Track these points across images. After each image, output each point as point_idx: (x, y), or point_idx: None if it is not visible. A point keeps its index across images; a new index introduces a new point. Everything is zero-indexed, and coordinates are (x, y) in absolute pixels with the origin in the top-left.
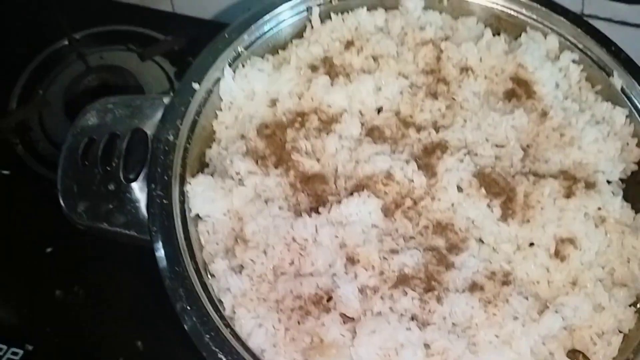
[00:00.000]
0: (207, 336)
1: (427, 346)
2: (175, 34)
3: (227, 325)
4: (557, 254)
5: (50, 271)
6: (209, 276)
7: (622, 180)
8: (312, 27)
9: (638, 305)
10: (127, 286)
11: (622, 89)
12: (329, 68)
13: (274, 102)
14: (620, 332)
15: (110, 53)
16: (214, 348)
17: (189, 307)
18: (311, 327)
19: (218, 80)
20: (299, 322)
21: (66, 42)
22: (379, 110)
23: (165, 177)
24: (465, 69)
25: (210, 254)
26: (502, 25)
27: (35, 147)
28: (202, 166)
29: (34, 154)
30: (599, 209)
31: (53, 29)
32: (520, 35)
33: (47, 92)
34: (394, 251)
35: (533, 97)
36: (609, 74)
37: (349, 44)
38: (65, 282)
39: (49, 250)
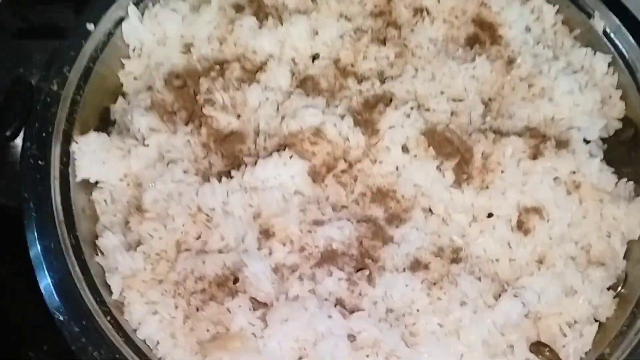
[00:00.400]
0: (77, 327)
1: (352, 337)
2: None
3: (107, 313)
4: (521, 227)
5: None
6: (98, 253)
7: (602, 140)
8: None
9: (618, 289)
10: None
11: (605, 32)
12: (257, 8)
13: (188, 48)
14: (595, 320)
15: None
16: (84, 341)
17: (56, 288)
18: (214, 315)
19: (121, 21)
20: (199, 309)
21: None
22: (315, 57)
23: (44, 134)
24: (419, 11)
25: (104, 227)
26: None
27: None
28: (107, 125)
29: None
30: (573, 172)
31: None
32: None
33: None
34: (319, 222)
35: (498, 42)
36: (590, 15)
37: None
38: None
39: None
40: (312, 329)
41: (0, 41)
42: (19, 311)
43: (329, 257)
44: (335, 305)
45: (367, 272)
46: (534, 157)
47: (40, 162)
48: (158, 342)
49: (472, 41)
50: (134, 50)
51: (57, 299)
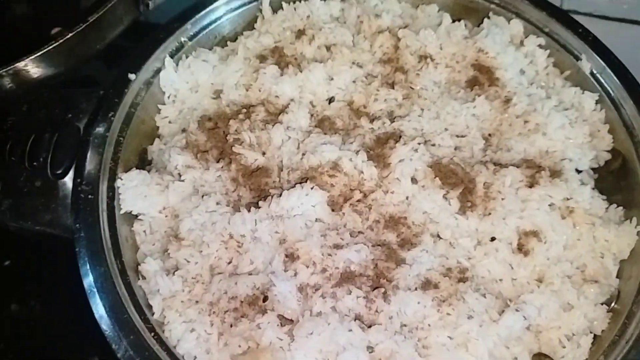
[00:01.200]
0: (125, 341)
1: (371, 349)
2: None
3: (152, 330)
4: (521, 249)
5: (6, 285)
6: (140, 278)
7: (593, 170)
8: (263, 17)
9: (612, 305)
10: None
11: (592, 73)
12: (279, 58)
13: (218, 94)
14: (590, 332)
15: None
16: (131, 353)
17: (107, 310)
18: (246, 331)
19: (158, 71)
20: (232, 325)
21: None
22: (331, 100)
23: (92, 172)
24: (424, 57)
25: (144, 254)
26: (464, 12)
27: None
28: (144, 163)
29: None
30: (567, 199)
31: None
32: (482, 22)
33: None
34: (338, 246)
35: (496, 83)
36: (578, 58)
37: (300, 33)
38: (22, 296)
39: (6, 263)
40: (334, 342)
41: (48, 90)
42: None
43: (347, 278)
44: (355, 320)
45: (382, 290)
46: (531, 185)
47: (90, 196)
48: (195, 357)
49: (472, 83)
50: (169, 97)
51: (108, 318)
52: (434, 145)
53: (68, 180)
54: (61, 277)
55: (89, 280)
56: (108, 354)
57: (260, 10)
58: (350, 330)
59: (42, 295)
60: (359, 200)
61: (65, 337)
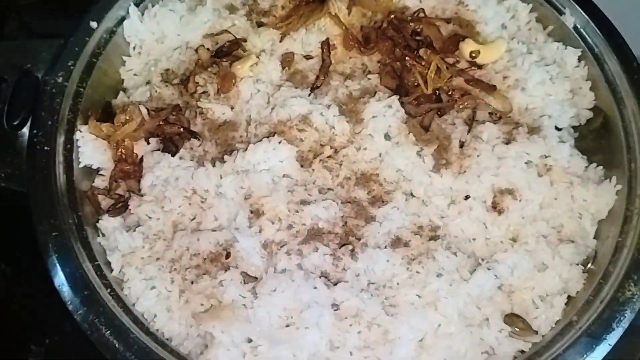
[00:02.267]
0: (79, 296)
1: (336, 306)
2: None
3: (108, 286)
4: (495, 207)
5: None
6: (100, 235)
7: (574, 128)
8: None
9: (588, 266)
10: None
11: (575, 28)
12: (249, 10)
13: (185, 46)
14: (565, 293)
15: (53, 21)
16: (85, 309)
17: (61, 262)
18: (207, 288)
19: (122, 20)
20: (193, 283)
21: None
22: (307, 57)
23: (49, 122)
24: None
25: (104, 210)
26: None
27: None
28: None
29: None
30: (544, 156)
31: None
32: None
33: None
34: (305, 202)
35: (476, 38)
36: (561, 12)
37: None
38: None
39: None
40: (299, 299)
41: (8, 40)
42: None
43: (315, 234)
44: (320, 278)
45: (350, 247)
46: (508, 142)
47: (46, 147)
48: (155, 315)
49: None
50: (134, 48)
51: (61, 273)
52: (409, 103)
53: (26, 131)
54: (28, 240)
55: (43, 234)
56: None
57: None
58: (315, 288)
59: (12, 259)
60: (329, 156)
61: (36, 301)
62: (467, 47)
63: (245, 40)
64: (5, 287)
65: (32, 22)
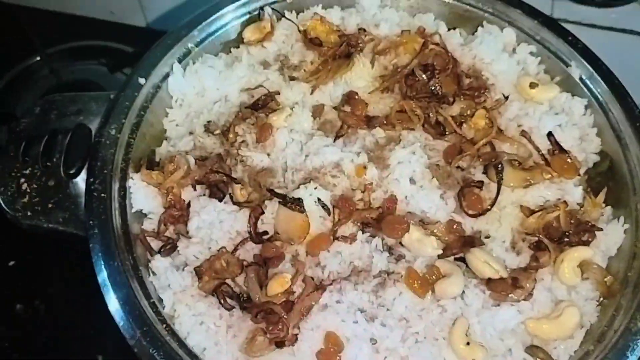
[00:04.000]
0: (139, 332)
1: (374, 341)
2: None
3: (163, 322)
4: (514, 247)
5: (11, 285)
6: (150, 274)
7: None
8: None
9: (600, 299)
10: (86, 301)
11: (581, 79)
12: (281, 65)
13: (224, 99)
14: (582, 327)
15: (81, 68)
16: (144, 343)
17: (121, 300)
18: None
19: (167, 76)
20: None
21: (38, 58)
22: (337, 107)
23: (105, 171)
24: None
25: (155, 251)
26: (458, 20)
27: None
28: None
29: None
30: (558, 199)
31: (25, 45)
32: (476, 30)
33: (17, 106)
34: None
35: (490, 89)
36: (567, 65)
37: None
38: (26, 296)
39: (11, 263)
40: (341, 333)
41: (61, 95)
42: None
43: (352, 272)
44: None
45: (383, 284)
46: (526, 186)
47: (102, 194)
48: (205, 349)
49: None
50: (176, 101)
51: (122, 311)
52: (432, 150)
53: (80, 180)
54: (65, 277)
55: (103, 275)
56: (112, 353)
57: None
58: (356, 322)
59: (47, 295)
60: (360, 200)
61: (69, 336)
62: (527, 80)
63: (278, 93)
64: (39, 323)
65: (59, 68)
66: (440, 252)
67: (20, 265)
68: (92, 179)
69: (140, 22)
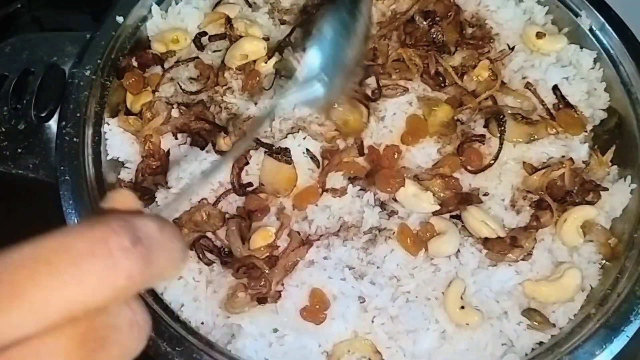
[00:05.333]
0: None
1: (362, 299)
2: None
3: None
4: (514, 205)
5: None
6: None
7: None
8: None
9: (603, 262)
10: None
11: (591, 30)
12: (272, 6)
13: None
14: (583, 290)
15: (64, 15)
16: None
17: None
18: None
19: (146, 17)
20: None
21: (19, 5)
22: None
23: (78, 115)
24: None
25: None
26: None
27: None
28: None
29: None
30: (562, 156)
31: None
32: None
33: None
34: None
35: (495, 39)
36: (577, 15)
37: None
38: None
39: None
40: (327, 291)
41: (34, 34)
42: None
43: (340, 228)
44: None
45: (374, 240)
46: (529, 142)
47: (75, 139)
48: (182, 305)
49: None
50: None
51: None
52: (429, 100)
53: (52, 123)
54: (35, 227)
55: (73, 224)
56: None
57: None
58: (344, 279)
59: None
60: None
61: None
62: (533, 29)
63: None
64: None
65: (41, 17)
66: (437, 207)
67: None
68: (64, 123)
69: None
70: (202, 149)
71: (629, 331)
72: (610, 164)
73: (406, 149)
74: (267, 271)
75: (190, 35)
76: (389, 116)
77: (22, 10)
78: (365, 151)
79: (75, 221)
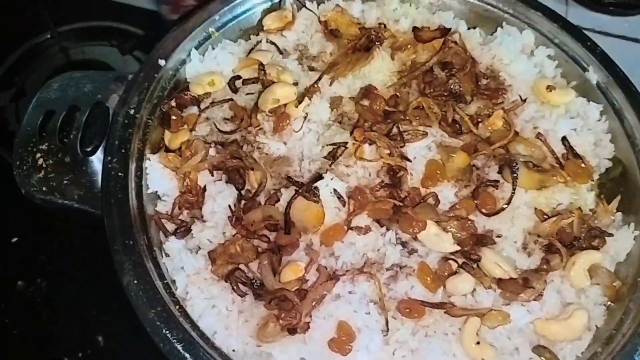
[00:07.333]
0: (153, 311)
1: (385, 332)
2: (156, 30)
3: (177, 303)
4: (525, 248)
5: (14, 262)
6: (164, 255)
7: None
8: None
9: (608, 303)
10: (91, 280)
11: (598, 85)
12: (301, 53)
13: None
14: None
15: (91, 48)
16: (158, 323)
17: (135, 281)
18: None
19: (185, 60)
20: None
21: (49, 36)
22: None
23: (123, 151)
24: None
25: (169, 233)
26: (478, 20)
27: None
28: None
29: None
30: (570, 203)
31: (36, 22)
32: (496, 30)
33: (26, 82)
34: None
35: (507, 90)
36: (585, 69)
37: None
38: (28, 274)
39: (14, 240)
40: (353, 323)
41: (80, 72)
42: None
43: (365, 264)
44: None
45: (395, 277)
46: (539, 188)
47: (120, 174)
48: (215, 332)
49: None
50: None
51: (136, 289)
52: (446, 146)
53: (95, 158)
54: (69, 256)
55: (119, 253)
56: (112, 333)
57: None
58: (368, 313)
59: (50, 273)
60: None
61: (69, 316)
62: (544, 82)
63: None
64: (40, 301)
65: (69, 47)
66: (458, 248)
67: (24, 242)
68: (109, 158)
69: (149, 4)
70: (240, 189)
71: None
72: (615, 211)
73: (424, 192)
74: (297, 303)
75: (225, 78)
76: (412, 157)
77: (50, 41)
78: None
79: (121, 250)
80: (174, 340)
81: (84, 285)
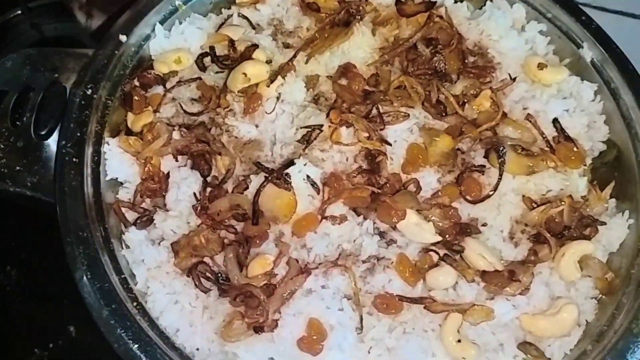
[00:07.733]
0: (107, 309)
1: (359, 330)
2: None
3: (134, 300)
4: (512, 238)
5: None
6: (123, 247)
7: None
8: None
9: (600, 296)
10: (62, 269)
11: (592, 62)
12: (275, 29)
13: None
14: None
15: (64, 25)
16: (112, 322)
17: (89, 276)
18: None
19: (149, 36)
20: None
21: (19, 12)
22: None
23: (78, 134)
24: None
25: (129, 222)
26: None
27: None
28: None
29: None
30: (561, 189)
31: None
32: (484, 4)
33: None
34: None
35: (497, 68)
36: (579, 46)
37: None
38: None
39: None
40: (325, 321)
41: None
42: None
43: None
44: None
45: (372, 270)
46: (528, 174)
47: (75, 159)
48: (178, 330)
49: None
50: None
51: (90, 285)
52: (430, 129)
53: (52, 142)
54: (39, 244)
55: (71, 246)
56: (84, 323)
57: None
58: (342, 310)
59: (19, 261)
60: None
61: (40, 305)
62: (535, 60)
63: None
64: (10, 290)
65: (41, 24)
66: (440, 238)
67: None
68: (64, 142)
69: None
70: (206, 175)
71: None
72: (608, 198)
73: (405, 178)
74: (264, 299)
75: (193, 55)
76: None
77: (21, 17)
78: None
79: (73, 243)
80: (129, 341)
81: (55, 274)
